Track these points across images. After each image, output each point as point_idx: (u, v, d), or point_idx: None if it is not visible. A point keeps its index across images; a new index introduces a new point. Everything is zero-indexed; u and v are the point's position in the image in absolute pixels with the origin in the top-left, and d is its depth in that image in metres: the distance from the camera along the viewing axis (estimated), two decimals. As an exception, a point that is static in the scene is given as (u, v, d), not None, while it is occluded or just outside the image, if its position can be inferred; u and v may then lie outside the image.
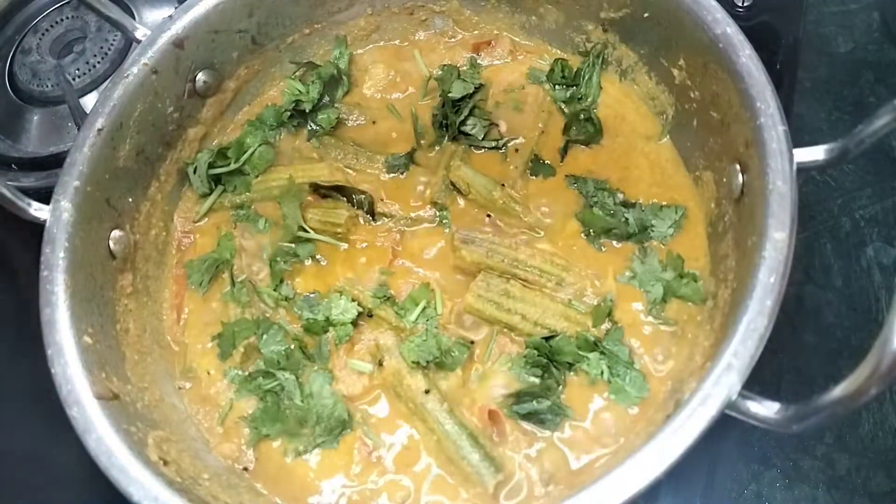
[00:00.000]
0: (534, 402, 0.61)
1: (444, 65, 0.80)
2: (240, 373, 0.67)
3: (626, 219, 0.68)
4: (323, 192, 0.75)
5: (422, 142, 0.78)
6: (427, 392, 0.63)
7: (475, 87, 0.77)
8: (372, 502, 0.61)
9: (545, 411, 0.61)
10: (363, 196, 0.74)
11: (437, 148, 0.77)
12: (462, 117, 0.76)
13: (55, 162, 0.88)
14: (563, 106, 0.77)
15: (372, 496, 0.61)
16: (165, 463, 0.57)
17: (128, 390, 0.62)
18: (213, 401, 0.67)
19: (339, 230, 0.72)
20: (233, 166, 0.76)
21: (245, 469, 0.64)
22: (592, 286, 0.67)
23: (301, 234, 0.72)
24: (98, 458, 0.54)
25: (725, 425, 0.49)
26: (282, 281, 0.71)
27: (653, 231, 0.67)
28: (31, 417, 0.75)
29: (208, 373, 0.68)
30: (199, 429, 0.66)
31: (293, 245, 0.72)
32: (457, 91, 0.76)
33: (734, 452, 0.65)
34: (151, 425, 0.61)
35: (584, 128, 0.74)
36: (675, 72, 0.69)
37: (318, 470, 0.63)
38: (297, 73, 0.82)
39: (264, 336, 0.68)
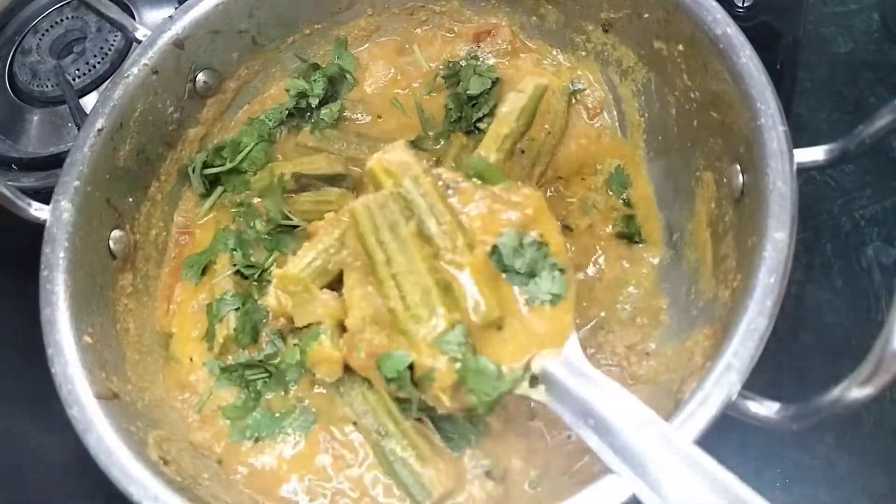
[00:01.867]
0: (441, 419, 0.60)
1: (451, 61, 0.80)
2: (220, 363, 0.67)
3: None
4: (304, 181, 0.74)
5: (429, 132, 0.78)
6: (355, 424, 0.62)
7: (492, 82, 0.77)
8: (339, 497, 0.61)
9: (451, 430, 0.60)
10: (345, 178, 0.74)
11: (442, 141, 0.77)
12: (480, 114, 0.76)
13: (55, 162, 0.88)
14: None
15: (337, 492, 0.61)
16: (165, 462, 0.57)
17: (128, 390, 0.62)
18: (192, 388, 0.67)
19: (331, 208, 0.71)
20: (228, 166, 0.76)
21: (219, 461, 0.64)
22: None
23: (285, 222, 0.72)
24: (98, 457, 0.54)
25: (725, 425, 0.49)
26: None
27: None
28: (31, 417, 0.75)
29: (191, 359, 0.68)
30: (178, 416, 0.66)
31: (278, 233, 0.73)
32: (474, 87, 0.76)
33: (734, 452, 0.65)
34: (151, 425, 0.61)
35: None
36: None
37: (289, 462, 0.63)
38: (299, 73, 0.81)
39: (249, 313, 0.68)
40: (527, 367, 0.54)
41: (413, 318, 0.54)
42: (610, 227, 0.71)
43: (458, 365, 0.53)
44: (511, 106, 0.67)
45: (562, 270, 0.56)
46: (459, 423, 0.60)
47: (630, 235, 0.70)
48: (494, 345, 0.54)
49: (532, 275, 0.56)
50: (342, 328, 0.62)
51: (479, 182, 0.59)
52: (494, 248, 0.56)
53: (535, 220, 0.57)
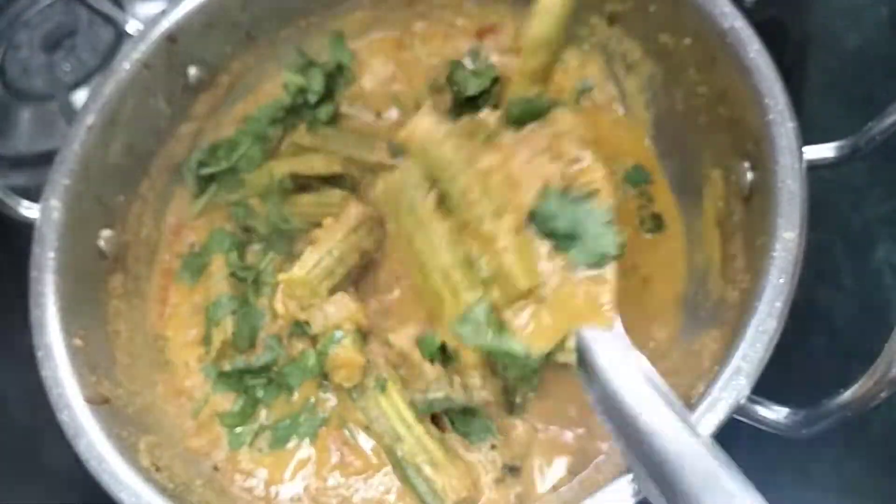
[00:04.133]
0: (459, 414, 0.60)
1: (453, 61, 0.79)
2: (216, 368, 0.66)
3: None
4: (302, 181, 0.73)
5: None
6: (367, 428, 0.62)
7: (492, 81, 0.75)
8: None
9: (469, 424, 0.60)
10: (344, 178, 0.73)
11: None
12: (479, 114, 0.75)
13: (46, 159, 0.87)
14: None
15: (344, 500, 0.60)
16: (157, 469, 0.56)
17: (119, 394, 0.61)
18: (188, 393, 0.66)
19: (332, 211, 0.70)
20: (224, 166, 0.75)
21: (216, 468, 0.63)
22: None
23: (282, 225, 0.71)
24: (89, 462, 0.53)
25: (734, 430, 0.48)
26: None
27: None
28: (23, 420, 0.74)
29: (186, 363, 0.68)
30: (173, 422, 0.65)
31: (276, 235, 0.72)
32: (472, 88, 0.75)
33: (742, 457, 0.64)
34: (143, 430, 0.60)
35: None
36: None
37: (293, 468, 0.62)
38: (295, 68, 0.80)
39: (246, 316, 0.67)
40: (560, 344, 0.51)
41: (435, 297, 0.55)
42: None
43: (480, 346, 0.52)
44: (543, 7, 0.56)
45: (609, 222, 0.52)
46: (478, 415, 0.59)
47: (654, 228, 0.69)
48: (526, 319, 0.53)
49: (573, 237, 0.52)
50: (362, 332, 0.61)
51: (515, 128, 0.57)
52: (533, 214, 0.53)
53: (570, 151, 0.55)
